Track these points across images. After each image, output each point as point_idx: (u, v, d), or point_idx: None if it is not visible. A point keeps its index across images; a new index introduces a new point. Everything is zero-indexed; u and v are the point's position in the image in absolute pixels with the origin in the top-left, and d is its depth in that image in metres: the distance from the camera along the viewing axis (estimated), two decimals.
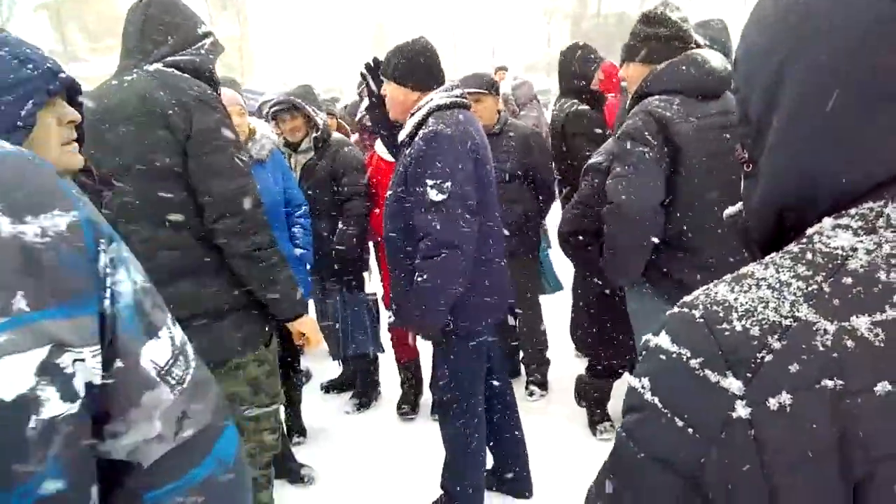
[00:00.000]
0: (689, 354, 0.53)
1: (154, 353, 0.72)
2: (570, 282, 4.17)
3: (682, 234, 2.30)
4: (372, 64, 2.75)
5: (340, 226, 3.47)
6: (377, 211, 3.49)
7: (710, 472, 0.51)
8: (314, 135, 3.45)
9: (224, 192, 1.95)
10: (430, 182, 2.31)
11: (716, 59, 2.31)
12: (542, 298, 3.93)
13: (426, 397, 3.76)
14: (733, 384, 0.50)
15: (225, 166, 1.96)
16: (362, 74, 2.79)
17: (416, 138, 2.41)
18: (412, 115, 2.49)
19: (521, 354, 3.97)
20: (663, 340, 0.57)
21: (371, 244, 3.95)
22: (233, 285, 2.05)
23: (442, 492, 2.78)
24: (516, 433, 2.89)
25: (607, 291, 3.16)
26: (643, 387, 0.57)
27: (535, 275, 3.81)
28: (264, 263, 2.02)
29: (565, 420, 3.52)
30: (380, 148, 3.52)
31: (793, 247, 0.57)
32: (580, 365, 4.15)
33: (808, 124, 0.58)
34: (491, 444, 2.85)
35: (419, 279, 2.35)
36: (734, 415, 0.50)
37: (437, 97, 2.46)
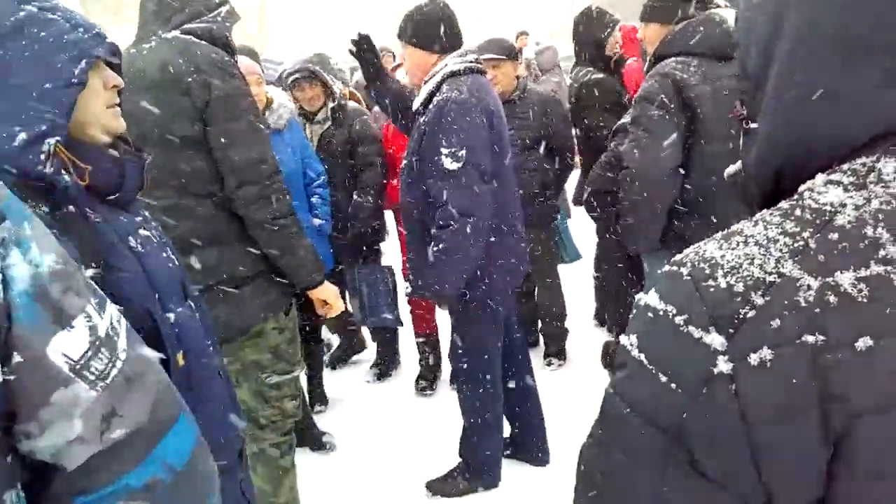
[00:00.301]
0: (674, 311, 0.54)
1: (65, 346, 0.63)
2: (588, 251, 4.18)
3: (698, 199, 2.28)
4: (360, 39, 2.65)
5: (356, 197, 3.48)
6: (395, 182, 3.49)
7: (691, 427, 0.51)
8: (332, 105, 3.45)
9: (244, 160, 1.96)
10: (444, 150, 2.31)
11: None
12: (561, 268, 3.92)
13: (445, 371, 3.79)
14: (716, 340, 0.51)
15: (245, 133, 1.97)
16: (351, 52, 2.70)
17: (430, 105, 2.40)
18: (426, 82, 2.47)
19: (540, 324, 3.97)
20: (652, 298, 0.57)
21: (391, 214, 3.96)
22: (253, 253, 2.08)
23: (460, 459, 2.82)
24: (533, 401, 2.91)
25: (630, 256, 3.15)
26: (631, 344, 0.57)
27: (553, 244, 3.80)
28: (284, 231, 2.04)
29: (583, 389, 3.54)
30: None
31: (784, 203, 0.57)
32: (599, 335, 4.16)
33: (802, 79, 0.57)
34: (508, 412, 2.88)
35: (435, 248, 2.36)
36: (716, 370, 0.50)
37: (452, 63, 2.44)
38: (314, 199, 3.19)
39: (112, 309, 0.71)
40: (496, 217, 2.44)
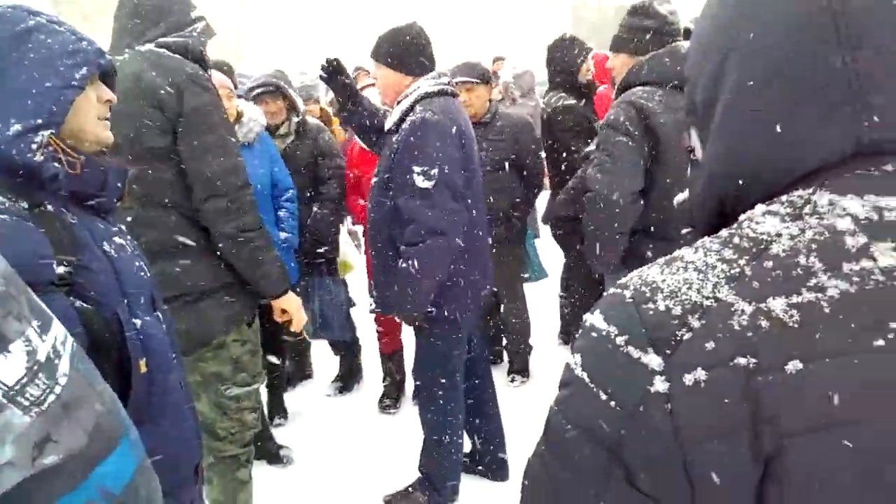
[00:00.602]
0: (616, 332, 0.56)
1: (0, 371, 0.63)
2: (555, 270, 4.22)
3: (660, 223, 2.34)
4: (328, 66, 2.67)
5: (315, 209, 3.49)
6: (361, 201, 3.48)
7: (629, 444, 0.53)
8: (296, 119, 3.46)
9: (214, 173, 1.96)
10: (416, 169, 2.33)
11: None
12: (527, 286, 3.95)
13: (409, 387, 3.78)
14: (653, 360, 0.52)
15: (216, 146, 1.97)
16: (321, 77, 2.72)
17: (403, 125, 2.42)
18: (399, 102, 2.50)
19: (504, 341, 4.00)
20: (596, 319, 0.59)
21: (360, 232, 3.96)
22: (217, 265, 2.06)
23: (420, 475, 2.81)
24: (495, 417, 2.92)
25: (595, 276, 3.20)
26: (575, 363, 0.59)
27: (520, 262, 3.84)
28: (251, 245, 2.03)
29: (545, 407, 3.55)
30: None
31: (723, 231, 0.59)
32: (563, 353, 4.19)
33: (745, 113, 0.60)
34: (469, 428, 2.89)
35: (404, 265, 2.37)
36: (652, 389, 0.52)
37: (425, 84, 2.47)
38: (281, 213, 3.19)
39: (57, 330, 0.69)
40: (465, 235, 2.46)
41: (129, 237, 1.37)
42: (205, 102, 1.96)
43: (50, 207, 1.15)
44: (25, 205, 1.11)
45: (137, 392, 1.20)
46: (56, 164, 1.16)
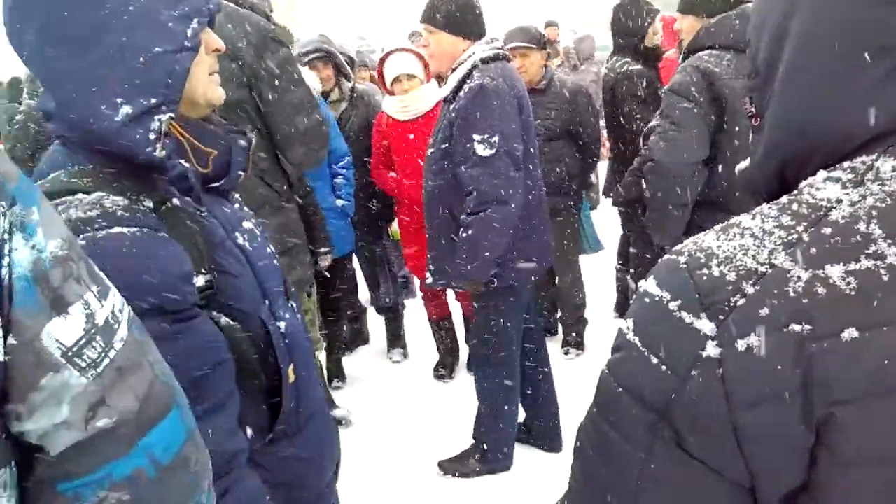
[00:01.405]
0: (669, 297, 0.56)
1: (59, 332, 0.63)
2: (611, 242, 4.17)
3: (724, 194, 2.27)
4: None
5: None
6: (393, 174, 3.44)
7: (679, 408, 0.53)
8: (349, 84, 3.47)
9: (307, 125, 1.98)
10: (476, 137, 2.32)
11: None
12: (582, 258, 3.92)
13: (463, 355, 3.83)
14: (706, 326, 0.53)
15: (305, 100, 1.99)
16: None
17: (461, 92, 2.41)
18: (454, 69, 2.48)
19: (559, 313, 3.99)
20: (650, 285, 0.59)
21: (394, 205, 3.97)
22: (285, 224, 2.09)
23: (473, 441, 2.86)
24: (549, 388, 2.94)
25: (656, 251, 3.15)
26: (627, 328, 0.59)
27: (575, 234, 3.80)
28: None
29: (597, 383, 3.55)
30: (389, 106, 3.41)
31: (783, 198, 0.59)
32: (618, 326, 4.16)
33: (808, 75, 0.59)
34: (524, 398, 2.91)
35: (465, 234, 2.38)
36: (704, 354, 0.52)
37: (480, 50, 2.44)
38: (337, 180, 3.23)
39: (115, 298, 0.70)
40: (525, 205, 2.46)
41: (251, 213, 1.16)
42: (285, 58, 1.96)
43: (177, 202, 0.95)
44: (150, 204, 0.92)
45: (287, 405, 1.05)
46: (182, 162, 0.96)
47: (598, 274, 4.53)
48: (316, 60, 3.38)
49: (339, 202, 3.20)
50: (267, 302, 1.05)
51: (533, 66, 3.44)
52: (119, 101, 0.89)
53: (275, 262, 1.13)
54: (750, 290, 0.52)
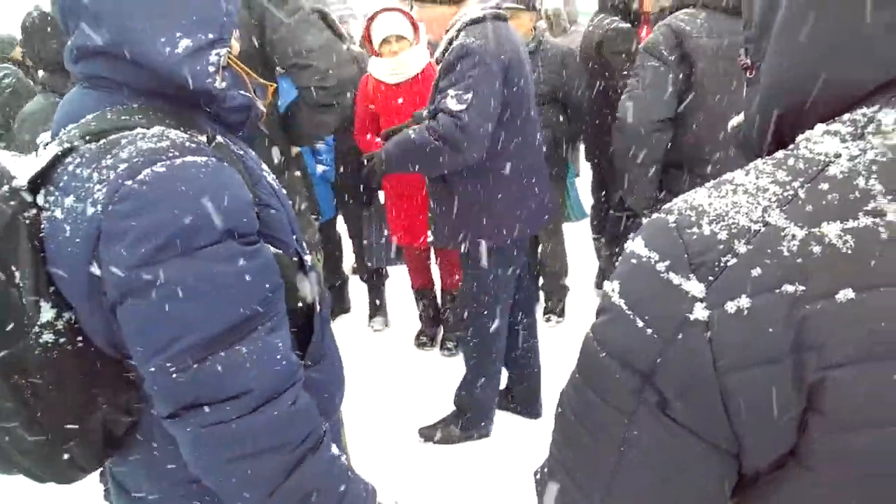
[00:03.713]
0: (656, 258, 0.53)
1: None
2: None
3: (695, 155, 2.27)
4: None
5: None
6: (377, 139, 3.36)
7: (664, 372, 0.51)
8: (344, 46, 3.38)
9: (321, 44, 1.93)
10: (451, 92, 2.28)
11: None
12: (565, 226, 3.90)
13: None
14: (695, 287, 0.50)
15: (310, 21, 1.93)
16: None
17: (446, 53, 2.37)
18: (447, 31, 2.43)
19: (541, 280, 3.98)
20: (637, 245, 0.56)
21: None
22: (293, 191, 2.06)
23: (455, 408, 2.86)
24: (534, 355, 2.94)
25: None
26: (613, 290, 0.57)
27: (558, 201, 3.77)
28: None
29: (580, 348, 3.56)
30: (376, 69, 3.27)
31: (779, 153, 0.56)
32: (599, 295, 4.16)
33: (806, 24, 0.56)
34: (508, 363, 2.90)
35: (412, 137, 2.35)
36: (692, 317, 0.50)
37: (471, 10, 2.41)
38: (319, 145, 3.17)
39: None
40: (517, 164, 2.44)
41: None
42: (302, 4, 1.92)
43: (220, 139, 0.96)
44: (203, 138, 0.94)
45: (318, 331, 1.10)
46: (242, 93, 0.99)
47: (581, 242, 4.52)
48: None
49: (320, 168, 3.15)
50: (295, 237, 1.09)
51: (521, 28, 3.36)
52: (178, 34, 0.90)
53: (289, 202, 1.16)
54: (742, 249, 0.49)
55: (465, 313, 2.74)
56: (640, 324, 0.52)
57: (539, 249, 3.86)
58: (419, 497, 2.48)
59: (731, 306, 0.48)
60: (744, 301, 0.48)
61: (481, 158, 2.36)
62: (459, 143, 2.28)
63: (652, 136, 2.24)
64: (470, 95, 2.26)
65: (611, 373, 0.54)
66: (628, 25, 3.51)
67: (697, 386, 0.50)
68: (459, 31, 2.37)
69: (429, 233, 2.69)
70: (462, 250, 2.57)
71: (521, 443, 2.77)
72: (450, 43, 2.39)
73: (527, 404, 2.99)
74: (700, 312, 0.49)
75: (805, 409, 0.48)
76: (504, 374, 2.93)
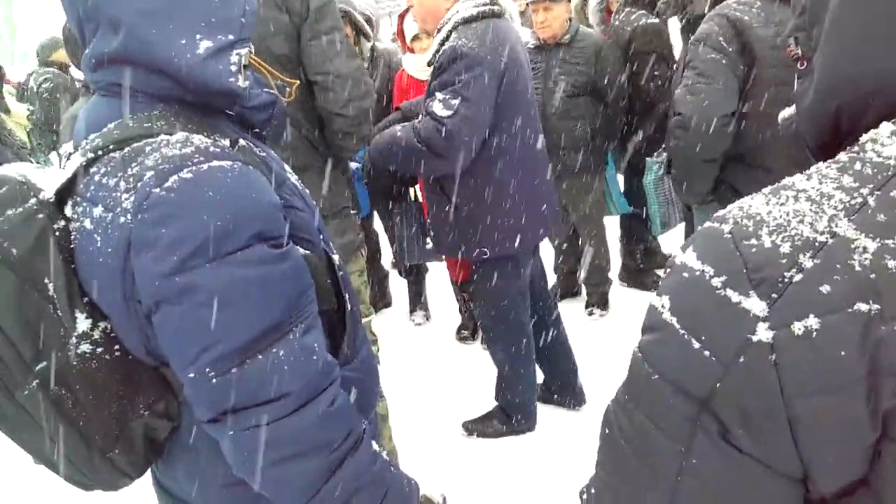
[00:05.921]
0: (712, 272, 0.49)
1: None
2: None
3: (754, 149, 2.16)
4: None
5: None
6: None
7: (725, 397, 0.47)
8: (368, 44, 3.37)
9: (348, 71, 1.93)
10: (439, 96, 2.24)
11: None
12: (606, 219, 3.82)
13: None
14: (756, 305, 0.46)
15: (345, 45, 1.94)
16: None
17: (437, 56, 2.31)
18: (438, 30, 2.35)
19: (582, 274, 3.91)
20: (688, 257, 0.52)
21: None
22: (335, 191, 2.06)
23: (497, 403, 2.84)
24: (563, 347, 2.90)
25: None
26: (662, 306, 0.53)
27: (600, 194, 3.69)
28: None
29: (625, 340, 3.50)
30: (408, 64, 3.30)
31: (842, 155, 0.51)
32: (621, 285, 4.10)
33: (865, 10, 0.51)
34: (539, 359, 2.87)
35: (398, 135, 2.31)
36: (754, 338, 0.46)
37: (463, 8, 2.30)
38: None
39: None
40: (514, 170, 2.38)
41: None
42: (328, 1, 1.92)
43: (242, 142, 0.96)
44: (227, 142, 0.93)
45: (350, 329, 1.09)
46: (265, 91, 1.00)
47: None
48: None
49: (353, 164, 3.13)
50: (322, 236, 1.08)
51: (557, 20, 3.30)
52: (198, 37, 0.90)
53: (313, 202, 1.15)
54: (808, 263, 0.45)
55: (483, 322, 2.73)
56: (697, 345, 0.49)
57: (580, 242, 3.80)
58: (465, 490, 2.47)
59: (798, 327, 0.44)
60: (812, 321, 0.44)
61: (466, 166, 2.31)
62: (441, 149, 2.24)
63: (717, 131, 2.11)
64: (457, 101, 2.20)
65: (664, 397, 0.51)
66: (657, 21, 3.41)
67: (763, 413, 0.46)
68: (451, 31, 2.28)
69: (428, 239, 2.64)
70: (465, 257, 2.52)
71: (564, 435, 2.74)
72: (441, 44, 2.30)
73: (566, 397, 2.95)
74: (764, 333, 0.46)
75: (880, 437, 0.44)
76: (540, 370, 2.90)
